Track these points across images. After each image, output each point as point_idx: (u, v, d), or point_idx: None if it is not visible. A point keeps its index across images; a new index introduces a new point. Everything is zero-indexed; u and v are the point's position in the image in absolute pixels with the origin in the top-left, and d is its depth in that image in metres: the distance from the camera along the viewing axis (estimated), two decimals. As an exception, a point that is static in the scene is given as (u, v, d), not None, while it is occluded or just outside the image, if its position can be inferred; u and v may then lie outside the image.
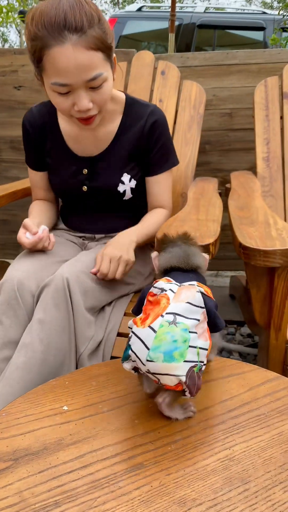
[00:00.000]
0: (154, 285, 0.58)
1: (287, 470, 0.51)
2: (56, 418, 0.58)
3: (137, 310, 0.62)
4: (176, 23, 3.71)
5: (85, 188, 1.12)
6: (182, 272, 0.64)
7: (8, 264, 1.46)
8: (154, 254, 0.69)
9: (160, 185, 1.15)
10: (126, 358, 0.54)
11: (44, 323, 0.85)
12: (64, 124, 1.12)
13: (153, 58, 1.54)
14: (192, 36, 4.59)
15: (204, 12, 4.86)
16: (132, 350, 0.53)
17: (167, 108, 1.48)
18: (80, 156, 1.12)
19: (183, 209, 1.15)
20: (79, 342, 0.90)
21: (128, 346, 0.54)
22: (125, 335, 0.99)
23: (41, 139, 1.13)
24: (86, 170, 1.11)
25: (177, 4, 3.62)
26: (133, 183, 1.12)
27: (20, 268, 0.95)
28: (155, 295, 0.57)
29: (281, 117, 1.47)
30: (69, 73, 0.87)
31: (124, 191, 1.11)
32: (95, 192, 1.12)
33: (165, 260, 0.66)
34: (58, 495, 0.47)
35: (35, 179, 1.20)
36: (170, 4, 3.12)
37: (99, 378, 0.67)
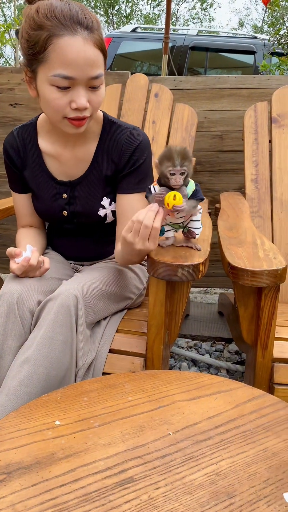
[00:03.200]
0: None
1: (271, 485, 0.53)
2: (49, 432, 0.59)
3: None
4: (170, 44, 3.82)
5: (65, 213, 1.11)
6: None
7: (0, 278, 1.47)
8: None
9: (132, 208, 1.05)
10: None
11: (48, 338, 0.87)
12: (45, 145, 1.09)
13: (147, 81, 1.59)
14: (185, 58, 4.71)
15: (197, 34, 5.00)
16: None
17: (160, 129, 1.52)
18: (59, 181, 1.10)
19: (174, 228, 1.18)
20: (78, 357, 0.92)
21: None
22: (116, 352, 1.00)
23: (22, 162, 1.11)
24: (65, 195, 1.09)
25: (171, 27, 3.72)
26: (114, 206, 1.10)
27: (21, 282, 0.96)
28: None
29: (270, 141, 1.53)
30: (77, 66, 0.86)
31: (106, 215, 1.10)
32: (76, 217, 1.11)
33: None
34: (50, 508, 0.48)
35: (20, 204, 1.17)
36: (164, 26, 3.21)
37: (90, 393, 0.68)
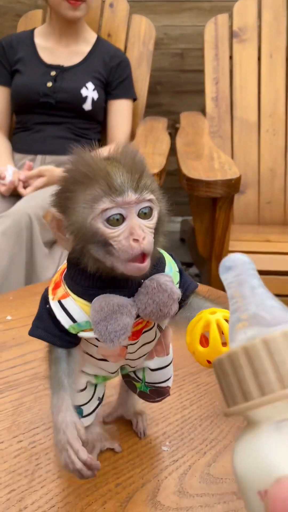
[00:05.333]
0: None
1: (213, 360, 0.57)
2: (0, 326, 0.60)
3: None
4: None
5: (49, 84, 1.19)
6: None
7: None
8: None
9: (118, 115, 1.28)
10: None
11: None
12: (40, 40, 1.27)
13: (101, -11, 1.47)
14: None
15: None
16: None
17: (116, 43, 1.43)
18: (50, 64, 1.24)
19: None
20: (39, 272, 0.94)
21: None
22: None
23: (13, 51, 1.25)
24: (54, 73, 1.22)
25: None
26: (96, 94, 1.23)
27: None
28: None
29: (231, 57, 1.47)
30: None
31: (86, 97, 1.20)
32: (58, 91, 1.19)
33: None
34: (1, 385, 0.50)
35: None
36: None
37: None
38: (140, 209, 0.32)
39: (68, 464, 0.32)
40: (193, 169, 0.99)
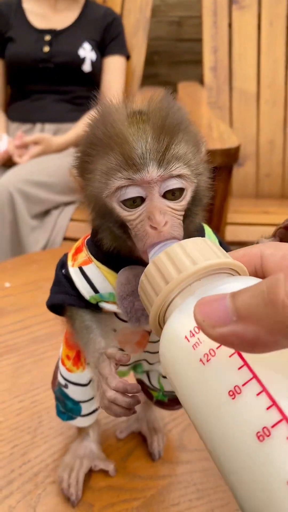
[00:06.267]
0: None
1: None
2: (-2, 293, 0.60)
3: None
4: None
5: (46, 49, 1.17)
6: None
7: None
8: None
9: (110, 71, 1.25)
10: None
11: None
12: (30, 6, 1.24)
13: None
14: None
15: None
16: None
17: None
18: (41, 29, 1.20)
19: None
20: (27, 248, 0.93)
21: None
22: (71, 239, 1.01)
23: (3, 19, 1.22)
24: (48, 37, 1.19)
25: None
26: (93, 55, 1.21)
27: None
28: None
29: (230, 25, 1.43)
30: None
31: (84, 59, 1.18)
32: (55, 55, 1.17)
33: None
34: (1, 348, 0.50)
35: None
36: None
37: (40, 262, 0.69)
38: (165, 189, 0.25)
39: (103, 399, 0.26)
40: (191, 138, 0.98)
